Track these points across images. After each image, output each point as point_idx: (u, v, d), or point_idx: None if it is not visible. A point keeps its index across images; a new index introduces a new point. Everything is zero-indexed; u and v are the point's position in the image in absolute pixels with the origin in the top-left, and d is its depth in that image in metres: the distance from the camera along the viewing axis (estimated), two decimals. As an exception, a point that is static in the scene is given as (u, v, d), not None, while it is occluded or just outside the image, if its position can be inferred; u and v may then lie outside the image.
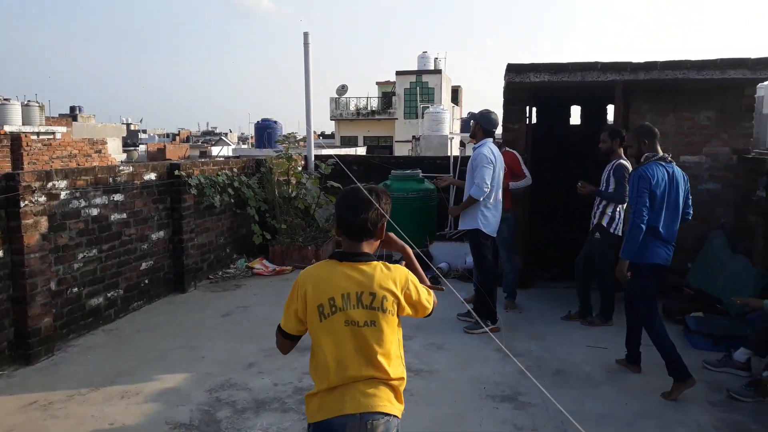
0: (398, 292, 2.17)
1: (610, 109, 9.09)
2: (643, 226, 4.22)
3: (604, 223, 5.64)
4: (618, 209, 5.63)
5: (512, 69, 6.69)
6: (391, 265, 2.23)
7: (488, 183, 5.49)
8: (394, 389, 2.18)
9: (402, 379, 2.20)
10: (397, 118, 34.08)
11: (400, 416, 2.18)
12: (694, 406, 4.07)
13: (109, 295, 5.86)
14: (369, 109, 35.82)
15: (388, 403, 2.14)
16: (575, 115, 10.30)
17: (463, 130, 30.58)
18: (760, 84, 6.90)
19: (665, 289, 6.57)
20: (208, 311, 6.27)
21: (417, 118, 29.04)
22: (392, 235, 2.42)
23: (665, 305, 6.02)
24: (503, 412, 4.01)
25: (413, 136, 23.08)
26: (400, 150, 29.77)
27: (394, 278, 2.18)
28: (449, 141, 20.42)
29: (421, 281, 2.33)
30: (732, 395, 4.13)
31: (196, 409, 4.05)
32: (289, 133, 9.54)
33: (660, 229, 4.26)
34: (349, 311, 2.13)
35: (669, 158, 4.43)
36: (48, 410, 4.03)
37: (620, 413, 3.97)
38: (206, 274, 7.52)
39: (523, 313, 6.15)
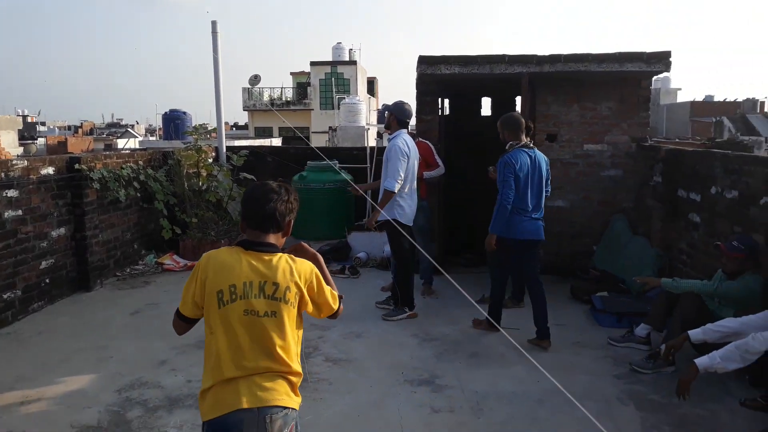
0: (302, 285, 2.15)
1: (519, 99, 9.43)
2: (509, 207, 4.89)
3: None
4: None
5: (424, 61, 6.77)
6: (296, 258, 2.21)
7: (401, 175, 5.53)
8: (290, 383, 2.15)
9: (299, 374, 2.18)
10: (312, 109, 33.82)
11: (297, 408, 2.16)
12: (600, 379, 4.30)
13: (5, 296, 5.46)
14: (284, 99, 35.31)
15: (286, 396, 2.11)
16: (486, 106, 10.60)
17: (379, 121, 30.72)
18: (656, 77, 7.31)
19: (573, 271, 6.90)
20: (116, 310, 5.98)
21: (333, 108, 28.93)
22: (303, 243, 2.42)
23: (573, 286, 6.32)
24: (421, 395, 4.07)
25: (330, 127, 22.98)
26: (317, 141, 29.54)
27: (299, 271, 2.16)
28: (366, 132, 20.51)
29: (330, 286, 2.31)
30: (634, 368, 4.39)
31: (104, 410, 3.85)
32: (199, 124, 9.22)
33: (528, 206, 4.95)
34: (251, 300, 2.08)
35: (531, 145, 5.08)
36: (-65, 423, 3.71)
37: (532, 390, 4.12)
38: (113, 271, 7.17)
39: (439, 299, 6.25)
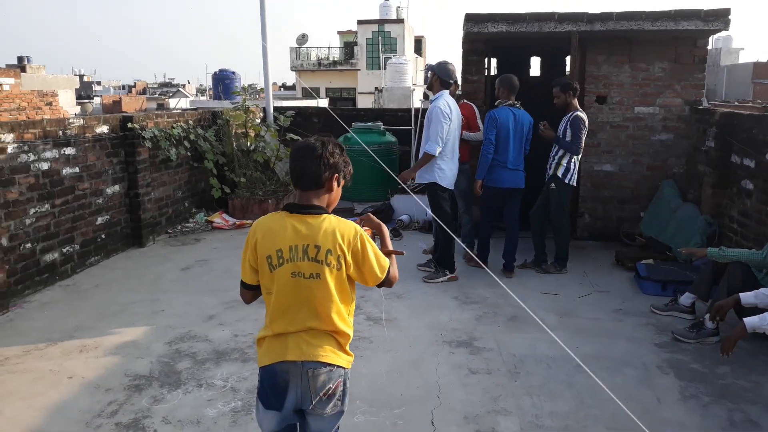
0: (344, 246, 2.13)
1: (568, 59, 9.16)
2: (489, 157, 5.70)
3: (560, 173, 5.73)
4: (573, 160, 5.73)
5: (470, 19, 6.64)
6: (342, 219, 2.19)
7: (442, 138, 5.49)
8: (338, 342, 2.19)
9: (347, 335, 2.21)
10: (359, 69, 33.61)
11: (347, 366, 2.21)
12: (641, 347, 4.27)
13: (64, 250, 5.75)
14: (331, 59, 35.17)
15: (332, 354, 2.16)
16: (535, 66, 10.35)
17: (426, 81, 30.35)
18: (716, 36, 6.97)
19: (619, 237, 6.79)
20: (168, 265, 6.23)
21: (380, 69, 28.68)
22: (371, 214, 2.44)
23: (618, 252, 6.22)
24: (459, 356, 4.14)
25: (375, 88, 22.84)
26: (363, 102, 29.45)
27: (342, 232, 2.14)
28: (412, 93, 20.32)
29: (387, 255, 2.29)
30: (676, 337, 4.34)
31: (156, 360, 4.07)
32: (247, 85, 9.33)
33: (509, 158, 5.72)
34: (297, 263, 2.12)
35: (518, 105, 5.82)
36: (4, 365, 3.99)
37: (570, 356, 4.12)
38: (165, 228, 7.43)
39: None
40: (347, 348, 2.24)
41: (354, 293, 2.25)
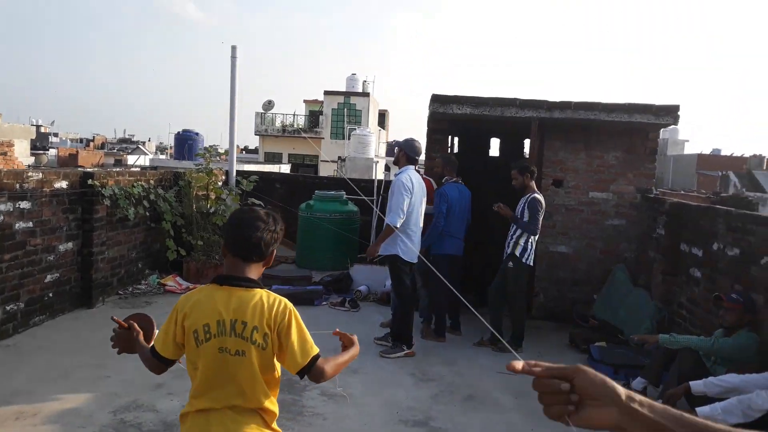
0: (272, 324, 2.09)
1: (527, 142, 9.55)
2: (440, 228, 6.14)
3: (517, 253, 5.87)
4: (530, 240, 5.89)
5: (437, 99, 6.91)
6: (273, 295, 2.15)
7: (403, 210, 5.60)
8: (264, 420, 2.15)
9: (273, 413, 2.17)
10: (323, 138, 34.11)
11: None
12: None
13: (8, 308, 5.51)
14: (295, 126, 35.66)
15: (257, 429, 2.12)
16: (495, 146, 10.73)
17: (388, 154, 30.93)
18: (663, 128, 7.40)
19: (572, 319, 6.91)
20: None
21: (344, 138, 29.19)
22: (349, 336, 2.39)
23: (572, 333, 6.32)
24: (415, 436, 4.07)
25: (339, 157, 23.18)
26: (326, 170, 29.76)
27: (272, 308, 2.10)
28: (374, 164, 20.68)
29: (338, 366, 2.24)
30: (628, 421, 4.37)
31: (99, 431, 3.87)
32: (211, 146, 9.37)
33: (457, 229, 6.24)
34: (224, 338, 2.08)
35: (460, 181, 6.40)
36: (-70, 432, 3.73)
37: (526, 438, 4.11)
38: (116, 289, 7.22)
39: (437, 341, 6.24)
40: (274, 425, 2.19)
41: (279, 372, 2.20)
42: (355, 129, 24.68)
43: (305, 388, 4.75)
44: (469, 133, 9.26)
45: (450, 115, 6.96)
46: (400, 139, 6.30)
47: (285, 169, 24.32)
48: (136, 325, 2.38)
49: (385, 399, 4.68)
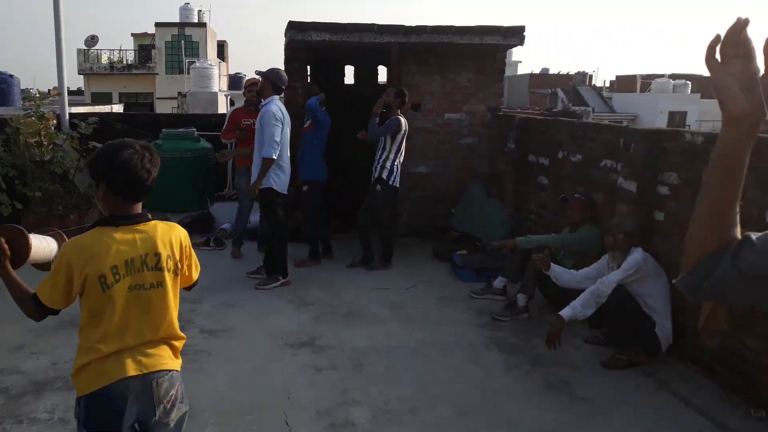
0: (180, 250, 2.16)
1: (381, 69, 9.64)
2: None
3: (384, 176, 6.04)
4: (396, 163, 6.07)
5: (294, 26, 6.71)
6: (169, 223, 2.19)
7: (277, 141, 5.50)
8: (173, 347, 2.18)
9: (183, 338, 2.22)
10: (157, 73, 31.79)
11: (179, 369, 2.19)
12: (466, 329, 4.68)
13: None
14: (125, 62, 32.83)
15: (170, 360, 2.14)
16: (349, 74, 10.70)
17: (231, 87, 29.68)
18: (510, 49, 7.79)
19: (434, 233, 7.33)
20: (-46, 293, 5.39)
21: (181, 73, 27.49)
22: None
23: (434, 246, 6.71)
24: (303, 357, 4.18)
25: (179, 93, 21.86)
26: (163, 108, 27.92)
27: (178, 236, 2.16)
28: (219, 98, 19.77)
29: None
30: (494, 317, 4.82)
31: (-43, 401, 3.53)
32: (40, 92, 8.40)
33: (320, 154, 6.29)
34: (136, 275, 2.04)
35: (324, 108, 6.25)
36: None
37: (407, 343, 4.40)
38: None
39: (312, 266, 6.33)
40: (178, 353, 2.22)
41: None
42: (194, 62, 23.31)
43: (182, 329, 4.62)
44: (323, 61, 9.14)
45: (308, 42, 6.80)
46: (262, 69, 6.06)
47: (117, 109, 22.47)
48: (3, 242, 2.11)
49: (267, 328, 4.72)
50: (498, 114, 7.41)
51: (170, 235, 2.12)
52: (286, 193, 5.82)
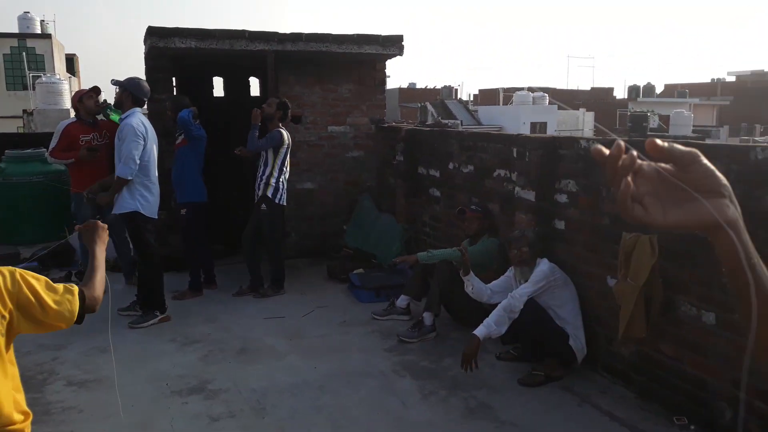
0: (7, 301, 1.58)
1: (253, 81, 9.16)
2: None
3: (269, 194, 5.61)
4: (281, 179, 5.66)
5: (154, 33, 6.08)
6: None
7: (136, 159, 4.91)
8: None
9: (23, 419, 1.67)
10: (-4, 91, 28.63)
11: None
12: (373, 355, 4.36)
13: None
14: (-43, 78, 29.24)
15: None
16: (218, 86, 10.09)
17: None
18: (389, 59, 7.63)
19: (326, 251, 6.97)
20: None
21: (26, 89, 24.99)
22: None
23: (329, 266, 6.35)
24: (194, 405, 3.65)
25: (24, 111, 19.77)
26: (6, 128, 25.13)
27: None
28: (71, 115, 18.11)
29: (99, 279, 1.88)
30: (401, 339, 4.55)
31: None
32: None
33: (198, 173, 5.75)
34: None
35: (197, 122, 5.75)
36: None
37: (311, 378, 3.99)
38: None
39: (194, 297, 5.72)
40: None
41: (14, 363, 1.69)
42: (40, 77, 21.20)
43: (44, 382, 3.93)
44: (187, 72, 8.49)
45: (172, 50, 6.20)
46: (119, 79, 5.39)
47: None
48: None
49: (149, 373, 4.11)
50: (383, 126, 7.22)
51: None
52: (155, 217, 5.21)
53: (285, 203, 5.77)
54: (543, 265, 3.85)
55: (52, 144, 5.82)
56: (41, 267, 6.52)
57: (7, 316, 1.56)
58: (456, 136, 5.63)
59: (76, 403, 3.67)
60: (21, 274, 1.62)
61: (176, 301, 5.50)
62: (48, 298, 1.66)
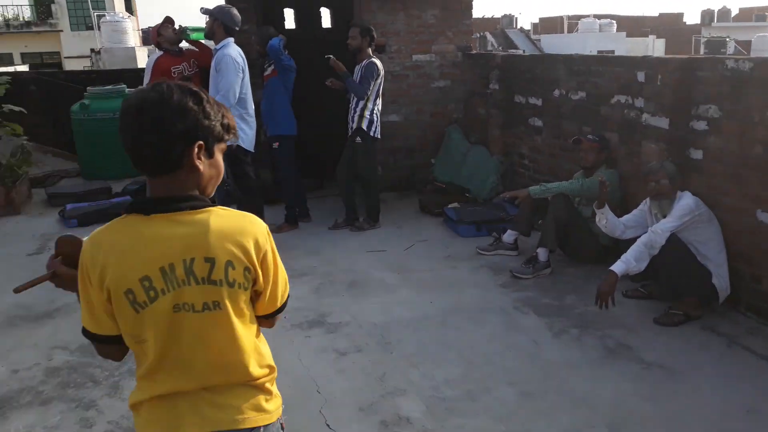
0: (253, 254, 1.39)
1: (324, 11, 8.84)
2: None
3: (364, 126, 5.41)
4: (375, 111, 5.45)
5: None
6: (235, 212, 1.45)
7: (236, 92, 4.78)
8: (260, 388, 1.48)
9: (268, 372, 1.50)
10: (62, 30, 29.05)
11: (275, 419, 1.50)
12: (488, 290, 4.22)
13: None
14: (22, 19, 29.78)
15: (253, 413, 1.46)
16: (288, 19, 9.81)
17: (144, 42, 27.53)
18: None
19: (414, 186, 6.81)
20: None
21: (90, 29, 25.20)
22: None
23: (421, 201, 6.19)
24: (317, 339, 3.61)
25: (92, 50, 19.96)
26: (73, 67, 25.60)
27: (251, 233, 1.41)
28: (137, 53, 18.21)
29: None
30: (515, 275, 4.38)
31: None
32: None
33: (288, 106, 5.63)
34: (178, 291, 1.35)
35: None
36: None
37: (430, 313, 3.90)
38: None
39: (291, 231, 5.67)
40: (273, 387, 1.53)
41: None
42: (104, 16, 21.28)
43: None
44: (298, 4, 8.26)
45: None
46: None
47: (22, 70, 20.33)
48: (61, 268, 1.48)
49: (263, 306, 4.09)
50: (470, 53, 6.85)
51: (235, 231, 1.39)
52: (253, 150, 5.13)
53: (379, 136, 5.58)
54: (687, 199, 3.57)
55: (146, 80, 5.72)
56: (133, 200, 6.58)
57: (252, 269, 1.40)
58: (564, 60, 5.24)
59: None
60: (269, 233, 1.46)
61: (274, 235, 5.46)
62: (280, 276, 1.52)
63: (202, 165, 1.39)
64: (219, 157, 1.45)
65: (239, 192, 5.17)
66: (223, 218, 1.40)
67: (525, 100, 5.88)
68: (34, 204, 6.74)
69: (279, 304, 1.54)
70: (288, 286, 1.58)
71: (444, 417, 2.80)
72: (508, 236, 4.84)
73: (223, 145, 1.45)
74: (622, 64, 4.63)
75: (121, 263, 1.34)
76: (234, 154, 4.91)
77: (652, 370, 3.12)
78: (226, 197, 6.07)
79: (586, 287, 4.08)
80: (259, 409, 1.47)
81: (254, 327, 1.50)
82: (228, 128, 1.46)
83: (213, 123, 1.40)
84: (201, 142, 1.37)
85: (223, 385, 1.43)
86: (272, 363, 1.53)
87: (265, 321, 1.56)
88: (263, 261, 1.43)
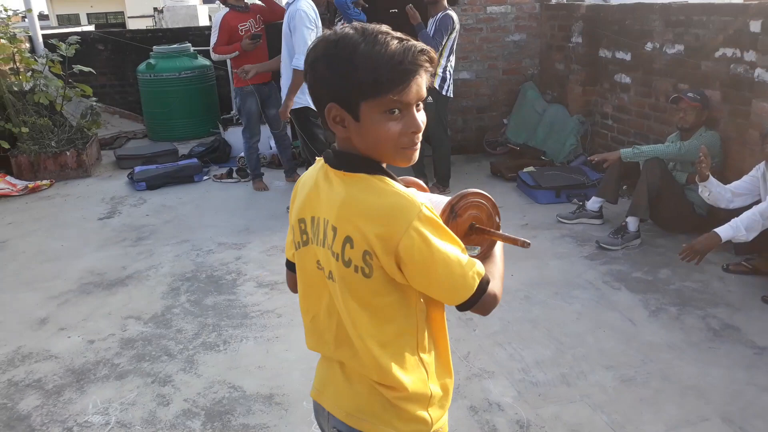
0: (376, 241, 1.10)
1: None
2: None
3: (436, 85, 5.12)
4: (448, 68, 5.14)
5: None
6: (397, 190, 1.14)
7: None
8: (391, 403, 1.23)
9: (406, 390, 1.22)
10: (125, -10, 29.41)
11: None
12: (573, 263, 3.94)
13: None
14: (87, -20, 30.24)
15: (375, 420, 1.23)
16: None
17: (205, 1, 27.58)
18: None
19: (483, 148, 6.49)
20: (-52, 257, 4.54)
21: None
22: (476, 193, 1.32)
23: (493, 164, 5.88)
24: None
25: (155, 9, 20.08)
26: (137, 27, 25.95)
27: (381, 213, 1.11)
28: (199, 11, 18.17)
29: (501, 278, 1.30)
30: (602, 245, 4.08)
31: (-18, 407, 2.78)
32: (5, 7, 7.15)
33: None
34: (316, 247, 1.23)
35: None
36: None
37: (512, 287, 3.64)
38: (-74, 205, 5.49)
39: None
40: (420, 412, 1.25)
41: (421, 313, 1.26)
42: (165, -26, 21.28)
43: (235, 283, 3.87)
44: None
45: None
46: None
47: (89, 31, 20.71)
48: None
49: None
50: (549, 4, 6.38)
51: (373, 209, 1.12)
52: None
53: (452, 95, 5.28)
54: (813, 165, 3.18)
55: (213, 39, 5.56)
56: (200, 162, 6.53)
57: (375, 255, 1.13)
58: (661, 10, 4.75)
59: (272, 307, 3.57)
60: (423, 228, 1.10)
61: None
62: (441, 267, 1.12)
63: (350, 125, 1.20)
64: (380, 117, 1.18)
65: (308, 154, 5.01)
66: (366, 189, 1.17)
67: (611, 54, 5.42)
68: (104, 166, 6.80)
69: (462, 298, 1.19)
70: (469, 273, 1.17)
71: (538, 404, 2.60)
72: (593, 203, 4.51)
73: (394, 99, 1.18)
74: (731, 13, 4.13)
75: (299, 197, 1.31)
76: (304, 115, 4.74)
77: (766, 357, 2.82)
78: (293, 159, 5.97)
79: (678, 261, 3.74)
80: (385, 420, 1.29)
81: (407, 331, 1.28)
82: (427, 76, 1.27)
83: (391, 71, 1.15)
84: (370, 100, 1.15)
85: (351, 371, 1.30)
86: (411, 386, 1.28)
87: (474, 308, 1.24)
88: (405, 255, 1.12)
